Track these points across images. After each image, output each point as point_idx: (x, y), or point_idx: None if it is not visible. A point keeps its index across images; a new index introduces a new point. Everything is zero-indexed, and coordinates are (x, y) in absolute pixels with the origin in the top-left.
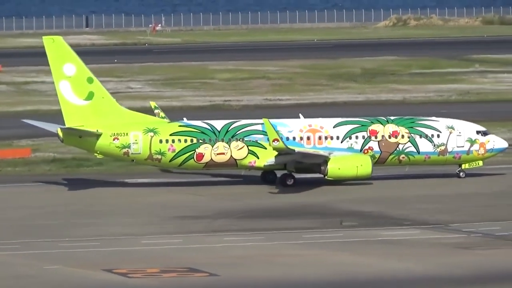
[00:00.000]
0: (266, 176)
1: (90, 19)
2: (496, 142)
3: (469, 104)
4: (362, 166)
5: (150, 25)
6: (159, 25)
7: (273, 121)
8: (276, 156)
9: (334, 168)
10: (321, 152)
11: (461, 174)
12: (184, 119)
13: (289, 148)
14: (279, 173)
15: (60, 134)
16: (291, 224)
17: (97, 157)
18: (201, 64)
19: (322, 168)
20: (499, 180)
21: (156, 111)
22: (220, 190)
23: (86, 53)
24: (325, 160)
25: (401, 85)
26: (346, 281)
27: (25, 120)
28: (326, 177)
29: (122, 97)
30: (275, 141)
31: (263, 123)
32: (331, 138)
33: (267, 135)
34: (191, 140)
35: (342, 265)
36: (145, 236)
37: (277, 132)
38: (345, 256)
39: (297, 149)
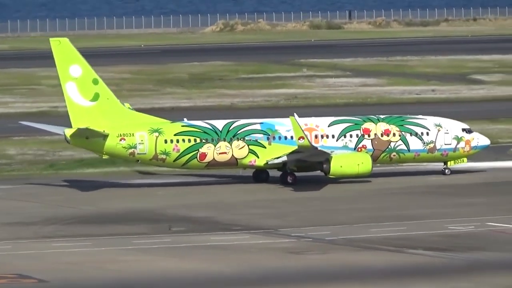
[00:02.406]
0: (259, 175)
1: None
2: (480, 139)
3: (297, 108)
4: (363, 163)
5: None
6: None
7: (271, 120)
8: (289, 154)
9: (336, 166)
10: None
11: (446, 171)
12: (185, 119)
13: (313, 146)
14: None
15: (68, 135)
16: (121, 229)
17: (104, 158)
18: (29, 70)
19: (325, 166)
20: (332, 185)
21: None
22: (49, 196)
23: None
24: (327, 158)
25: (229, 90)
26: (173, 286)
27: (23, 122)
28: (328, 175)
29: None
30: (301, 139)
31: (261, 123)
32: (327, 136)
33: (266, 134)
34: (195, 140)
35: (168, 270)
36: None
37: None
38: (172, 262)
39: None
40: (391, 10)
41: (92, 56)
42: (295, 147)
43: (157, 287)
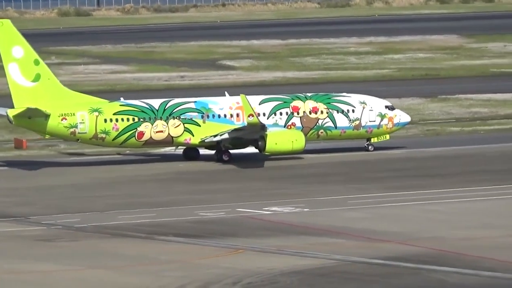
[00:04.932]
0: (190, 153)
1: None
2: (401, 116)
3: None
4: (297, 140)
5: None
6: None
7: (204, 99)
8: (232, 131)
9: (271, 143)
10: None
11: (369, 147)
12: (121, 98)
13: (262, 123)
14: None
15: (11, 115)
16: None
17: (46, 138)
18: None
19: (260, 143)
20: (79, 172)
21: None
22: None
23: None
24: (262, 136)
25: None
26: None
27: None
28: (263, 152)
29: None
30: (250, 116)
31: (195, 101)
32: (258, 114)
33: (200, 113)
34: (133, 119)
35: None
36: None
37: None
38: None
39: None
40: None
41: None
42: (229, 125)
43: None
